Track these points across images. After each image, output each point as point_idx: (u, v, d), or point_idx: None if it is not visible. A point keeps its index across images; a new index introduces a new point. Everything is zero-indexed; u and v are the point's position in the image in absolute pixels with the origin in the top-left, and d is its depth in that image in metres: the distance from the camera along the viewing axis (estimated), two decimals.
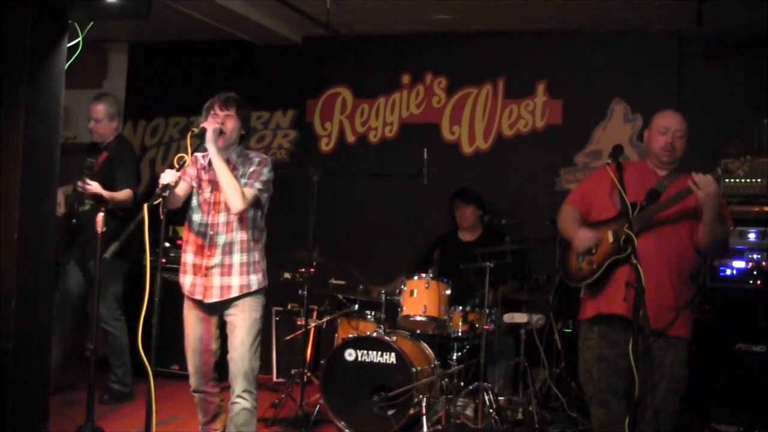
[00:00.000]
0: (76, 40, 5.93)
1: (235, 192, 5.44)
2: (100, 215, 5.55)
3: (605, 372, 5.25)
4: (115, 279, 7.47)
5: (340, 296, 7.91)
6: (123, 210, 7.12)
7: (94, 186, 6.87)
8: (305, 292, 7.38)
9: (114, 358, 7.61)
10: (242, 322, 5.62)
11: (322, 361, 7.24)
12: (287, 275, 8.11)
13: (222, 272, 5.60)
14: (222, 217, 5.61)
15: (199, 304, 5.67)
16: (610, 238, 5.25)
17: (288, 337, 8.33)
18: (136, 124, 10.18)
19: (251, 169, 5.59)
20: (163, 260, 4.96)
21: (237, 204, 5.45)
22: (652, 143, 5.41)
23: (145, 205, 4.75)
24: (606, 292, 5.27)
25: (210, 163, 5.61)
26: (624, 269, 5.11)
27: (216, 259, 5.60)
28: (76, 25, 5.93)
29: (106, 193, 6.93)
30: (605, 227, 5.32)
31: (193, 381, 5.79)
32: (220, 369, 5.86)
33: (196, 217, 5.67)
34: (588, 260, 5.33)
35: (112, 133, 7.47)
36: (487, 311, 7.06)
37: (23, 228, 5.36)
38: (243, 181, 5.54)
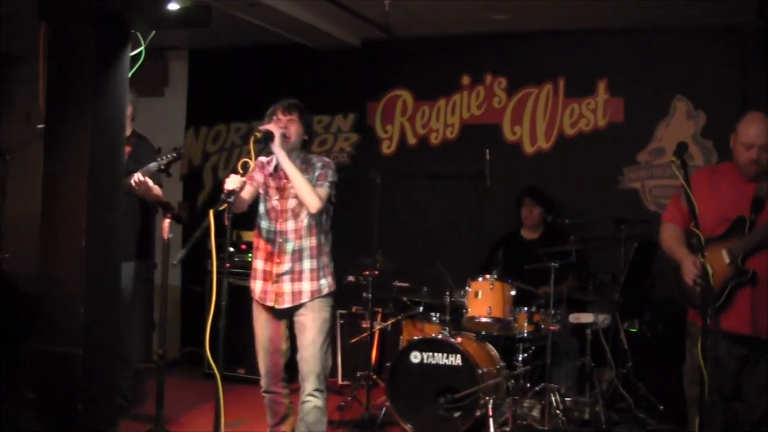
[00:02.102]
0: (139, 49, 5.97)
1: (310, 192, 5.50)
2: (167, 222, 5.56)
3: (713, 373, 5.09)
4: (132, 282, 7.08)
5: (404, 298, 7.91)
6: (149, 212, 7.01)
7: (156, 189, 6.74)
8: (369, 295, 7.37)
9: (122, 367, 6.84)
10: (312, 323, 5.66)
11: (387, 364, 7.24)
12: (351, 278, 8.10)
13: (293, 278, 5.66)
14: (290, 224, 5.66)
15: (270, 308, 5.70)
16: (726, 259, 5.09)
17: (353, 340, 8.35)
18: (197, 130, 10.24)
19: (317, 173, 5.64)
20: (228, 264, 4.94)
21: (315, 203, 5.50)
22: (737, 155, 5.21)
23: (211, 211, 4.75)
24: (729, 313, 5.10)
25: (276, 169, 5.66)
26: (747, 291, 5.01)
27: (286, 266, 5.66)
28: (138, 34, 5.96)
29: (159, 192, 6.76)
30: (717, 245, 5.14)
31: (263, 381, 5.84)
32: (290, 371, 5.87)
33: (265, 224, 5.74)
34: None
35: (129, 124, 7.01)
36: (553, 312, 7.00)
37: (90, 235, 5.41)
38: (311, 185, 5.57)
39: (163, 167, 6.26)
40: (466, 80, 9.15)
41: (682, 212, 5.37)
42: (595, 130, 8.63)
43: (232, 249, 8.52)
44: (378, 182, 7.29)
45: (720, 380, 5.08)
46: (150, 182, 6.26)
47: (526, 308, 7.23)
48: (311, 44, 9.25)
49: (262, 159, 5.79)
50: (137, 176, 6.18)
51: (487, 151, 7.40)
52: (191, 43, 10.10)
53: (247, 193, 5.60)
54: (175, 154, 6.28)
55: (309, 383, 5.62)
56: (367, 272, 7.48)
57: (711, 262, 4.96)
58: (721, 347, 5.07)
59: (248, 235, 8.31)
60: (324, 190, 5.60)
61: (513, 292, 7.23)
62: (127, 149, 6.79)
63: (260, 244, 5.77)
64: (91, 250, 5.41)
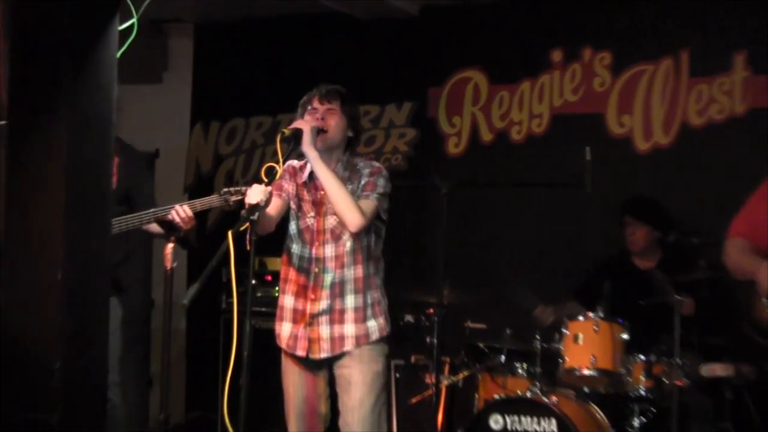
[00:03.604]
0: (130, 22, 5.94)
1: (348, 204, 5.44)
2: (169, 246, 5.52)
3: None
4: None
5: (480, 344, 7.84)
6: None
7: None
8: (434, 340, 7.26)
9: None
10: (360, 377, 5.63)
11: (458, 431, 7.17)
12: (409, 318, 8.04)
13: (332, 320, 5.61)
14: (329, 249, 5.62)
15: (303, 359, 5.66)
16: None
17: (413, 400, 8.26)
18: (207, 127, 10.27)
19: (363, 182, 5.58)
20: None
21: (355, 219, 5.45)
22: None
23: (230, 233, 4.71)
24: None
25: (311, 177, 5.61)
26: None
27: (323, 303, 5.61)
28: (128, 1, 5.93)
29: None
30: None
31: None
32: None
33: (296, 248, 5.71)
34: None
35: None
36: (679, 362, 6.90)
37: (69, 266, 5.35)
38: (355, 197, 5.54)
39: (230, 203, 6.22)
40: (557, 56, 9.09)
41: (755, 227, 5.50)
42: (731, 117, 8.53)
43: (253, 281, 8.49)
44: (443, 192, 7.19)
45: None
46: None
47: (642, 357, 7.17)
48: (353, 12, 9.26)
49: (294, 163, 5.76)
50: (183, 210, 6.13)
51: (587, 149, 7.32)
52: (198, 14, 10.13)
53: (274, 208, 5.55)
54: (244, 189, 6.27)
55: None
56: (431, 310, 7.47)
57: None
58: None
59: (274, 263, 8.29)
60: (370, 203, 5.54)
61: (625, 336, 7.15)
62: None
63: (290, 274, 5.73)
64: (71, 285, 5.35)
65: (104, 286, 5.65)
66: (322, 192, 5.59)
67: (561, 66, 9.08)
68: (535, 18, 9.16)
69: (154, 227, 6.33)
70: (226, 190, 6.46)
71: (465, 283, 7.87)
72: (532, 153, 9.07)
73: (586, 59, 9.00)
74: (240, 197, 6.36)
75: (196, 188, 10.21)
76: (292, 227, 5.75)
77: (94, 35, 5.52)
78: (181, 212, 6.17)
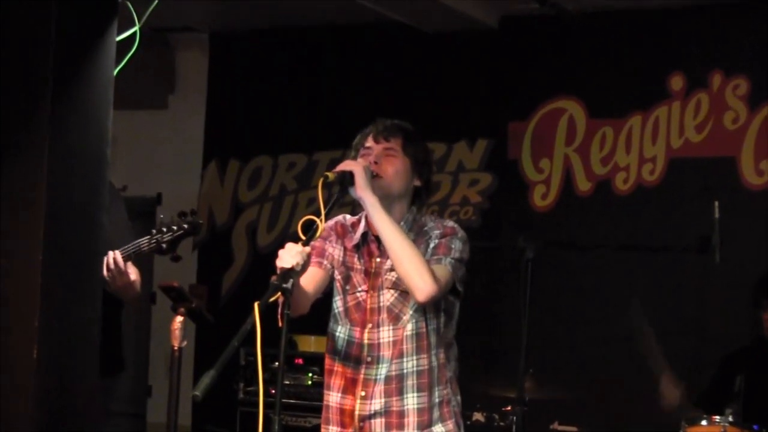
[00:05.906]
0: (130, 31, 5.91)
1: (418, 266, 5.22)
2: (178, 320, 5.47)
3: None
4: None
5: None
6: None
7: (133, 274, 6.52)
8: None
9: None
10: None
11: None
12: (479, 417, 8.01)
13: (387, 424, 5.49)
14: (385, 333, 5.48)
15: None
16: None
17: None
18: (223, 166, 10.28)
19: (432, 245, 5.43)
20: (272, 390, 4.86)
21: (427, 287, 5.23)
22: None
23: (256, 305, 4.65)
24: None
25: (365, 239, 5.48)
26: None
27: (376, 402, 5.49)
28: (129, 5, 5.91)
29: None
30: None
31: None
32: None
33: (342, 332, 5.56)
34: None
35: None
36: None
37: (47, 342, 5.32)
38: None
39: (163, 246, 6.16)
40: (677, 83, 9.09)
41: None
42: None
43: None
44: (529, 257, 7.17)
45: None
46: (132, 273, 6.14)
47: None
48: (417, 23, 9.26)
49: (344, 221, 5.64)
50: (113, 256, 6.08)
51: (716, 203, 7.28)
52: (214, 21, 10.15)
53: (311, 283, 5.38)
54: (185, 226, 6.20)
55: None
56: (509, 407, 7.44)
57: None
58: None
59: (306, 343, 8.29)
60: (444, 270, 5.35)
61: None
62: None
63: (334, 364, 5.60)
64: (49, 365, 5.34)
65: (92, 366, 5.63)
66: (378, 259, 5.42)
67: (681, 96, 9.07)
68: (648, 34, 9.16)
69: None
70: (158, 226, 6.33)
71: (552, 374, 7.85)
72: (643, 207, 9.08)
73: (714, 88, 8.97)
74: (172, 236, 6.26)
75: (210, 245, 10.20)
76: (337, 304, 5.56)
77: (86, 47, 5.51)
78: (108, 260, 6.05)
